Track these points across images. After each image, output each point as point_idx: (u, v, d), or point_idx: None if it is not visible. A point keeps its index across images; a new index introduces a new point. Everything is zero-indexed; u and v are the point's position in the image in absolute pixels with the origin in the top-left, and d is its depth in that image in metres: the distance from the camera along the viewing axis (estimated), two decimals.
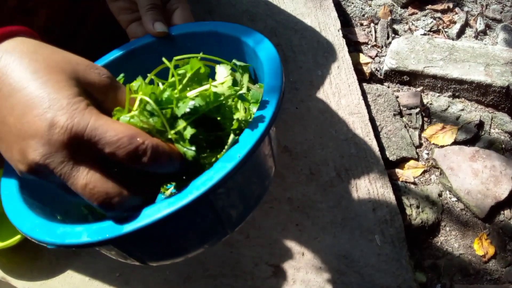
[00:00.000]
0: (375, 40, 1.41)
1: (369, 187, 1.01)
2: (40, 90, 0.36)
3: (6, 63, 0.37)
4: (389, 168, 1.12)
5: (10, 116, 0.36)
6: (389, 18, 1.44)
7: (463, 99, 1.29)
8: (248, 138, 0.44)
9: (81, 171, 0.36)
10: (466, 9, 1.52)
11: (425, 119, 1.25)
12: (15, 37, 0.40)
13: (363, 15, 1.47)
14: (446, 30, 1.45)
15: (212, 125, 0.46)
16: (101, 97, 0.40)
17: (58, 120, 0.35)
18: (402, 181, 1.11)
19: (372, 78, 1.31)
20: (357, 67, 1.29)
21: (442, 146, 1.19)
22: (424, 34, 1.43)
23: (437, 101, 1.27)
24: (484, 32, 1.46)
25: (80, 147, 0.36)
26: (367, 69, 1.32)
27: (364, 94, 1.21)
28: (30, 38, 0.41)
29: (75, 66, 0.39)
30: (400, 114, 1.23)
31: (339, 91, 1.16)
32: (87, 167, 0.36)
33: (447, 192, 1.13)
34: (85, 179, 0.35)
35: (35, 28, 0.45)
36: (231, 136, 0.44)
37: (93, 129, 0.35)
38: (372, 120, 1.16)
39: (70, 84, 0.37)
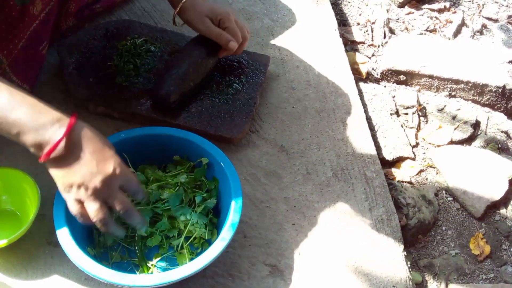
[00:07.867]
0: (372, 40, 1.41)
1: (365, 187, 1.01)
2: (106, 151, 0.74)
3: (84, 137, 0.74)
4: (386, 167, 1.12)
5: (88, 158, 0.73)
6: (386, 17, 1.44)
7: (459, 98, 1.29)
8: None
9: (118, 195, 0.75)
10: (462, 8, 1.52)
11: (422, 118, 1.25)
12: (76, 123, 0.73)
13: (360, 15, 1.47)
14: (442, 29, 1.46)
15: None
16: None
17: (115, 167, 0.74)
18: (398, 181, 1.11)
19: (369, 77, 1.32)
20: (354, 67, 1.29)
21: (438, 146, 1.20)
22: (421, 34, 1.44)
23: (434, 100, 1.27)
24: (480, 32, 1.47)
25: (116, 182, 0.74)
26: (363, 69, 1.32)
27: (360, 93, 1.21)
28: (81, 122, 0.74)
29: (111, 145, 0.76)
30: (397, 113, 1.24)
31: (336, 90, 1.16)
32: (120, 194, 0.75)
33: (443, 191, 1.13)
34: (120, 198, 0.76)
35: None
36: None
37: (127, 176, 0.76)
38: (368, 119, 1.16)
39: (115, 154, 0.75)
